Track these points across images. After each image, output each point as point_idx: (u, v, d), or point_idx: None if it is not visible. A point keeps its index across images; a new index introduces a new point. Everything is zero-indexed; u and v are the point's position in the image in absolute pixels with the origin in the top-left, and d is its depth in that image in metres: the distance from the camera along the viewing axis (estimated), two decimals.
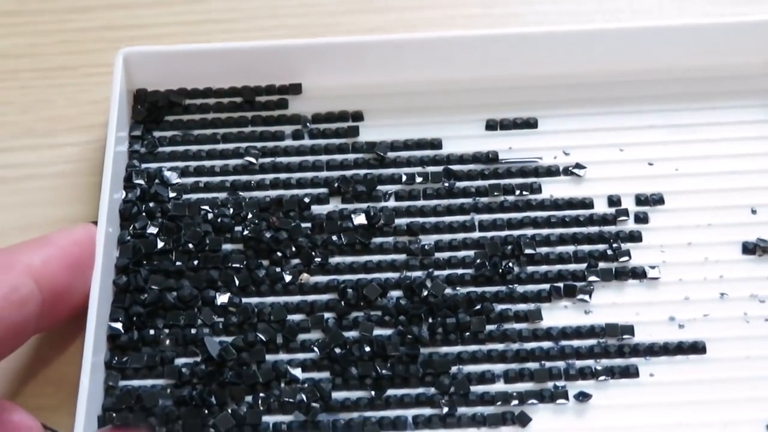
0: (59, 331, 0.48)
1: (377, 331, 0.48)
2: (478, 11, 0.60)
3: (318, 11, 0.60)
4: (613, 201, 0.52)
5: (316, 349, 0.48)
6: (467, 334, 0.48)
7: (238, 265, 0.49)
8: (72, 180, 0.54)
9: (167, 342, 0.48)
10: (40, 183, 0.54)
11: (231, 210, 0.51)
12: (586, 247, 0.50)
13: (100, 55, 0.58)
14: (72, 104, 0.56)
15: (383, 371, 0.47)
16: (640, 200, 0.52)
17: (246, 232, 0.50)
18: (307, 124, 0.54)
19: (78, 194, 0.53)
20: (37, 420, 0.43)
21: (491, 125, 0.54)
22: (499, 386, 0.47)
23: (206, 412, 0.46)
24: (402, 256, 0.50)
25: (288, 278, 0.49)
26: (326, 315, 0.49)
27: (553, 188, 0.52)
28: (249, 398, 0.47)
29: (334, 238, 0.51)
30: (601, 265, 0.50)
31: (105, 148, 0.53)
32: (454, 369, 0.47)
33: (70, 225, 0.47)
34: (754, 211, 0.52)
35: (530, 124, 0.54)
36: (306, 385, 0.47)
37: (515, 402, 0.46)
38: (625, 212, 0.51)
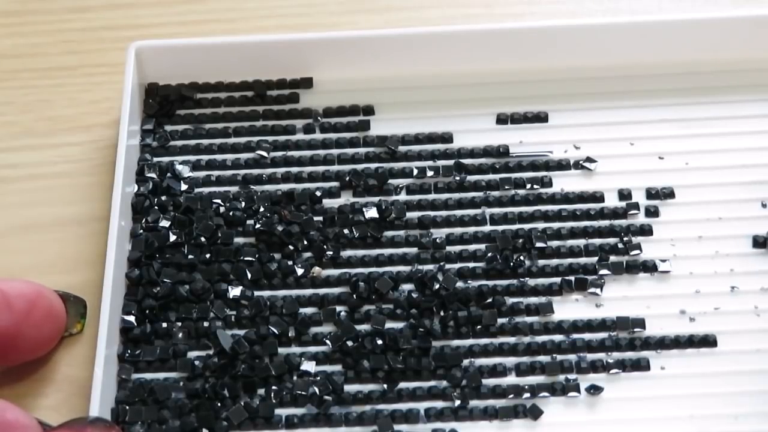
0: None
1: (389, 324, 0.48)
2: (479, 11, 0.60)
3: (318, 11, 0.60)
4: (624, 195, 0.52)
5: (328, 342, 0.48)
6: (479, 327, 0.48)
7: (250, 259, 0.50)
8: (72, 180, 0.54)
9: (180, 335, 0.48)
10: (40, 183, 0.54)
11: (243, 203, 0.51)
12: (597, 241, 0.51)
13: (101, 55, 0.58)
14: (72, 104, 0.56)
15: (395, 364, 0.47)
16: (651, 194, 0.52)
17: (258, 226, 0.50)
18: (319, 118, 0.54)
19: (78, 194, 0.53)
20: (33, 418, 0.43)
21: (502, 119, 0.54)
22: (511, 379, 0.47)
23: (219, 404, 0.46)
24: (413, 250, 0.50)
25: (300, 271, 0.50)
26: (338, 308, 0.49)
27: (563, 182, 0.52)
28: (262, 391, 0.47)
29: (346, 231, 0.51)
30: (612, 258, 0.50)
31: (105, 147, 0.54)
32: (465, 362, 0.47)
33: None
34: (764, 205, 0.52)
35: (541, 118, 0.54)
36: (318, 378, 0.47)
37: (527, 395, 0.47)
38: (636, 206, 0.51)
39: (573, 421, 0.46)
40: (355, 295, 0.49)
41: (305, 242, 0.50)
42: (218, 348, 0.47)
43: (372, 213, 0.51)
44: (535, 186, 0.52)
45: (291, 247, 0.50)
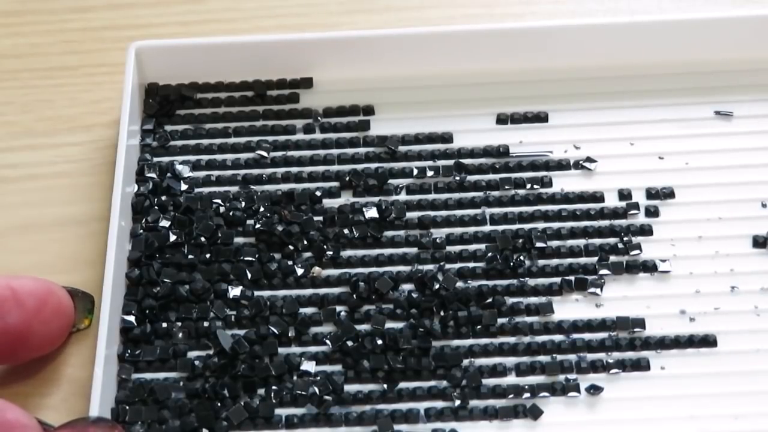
0: None
1: (389, 324, 0.48)
2: (478, 11, 0.60)
3: (317, 11, 0.60)
4: (624, 195, 0.52)
5: (328, 342, 0.48)
6: (479, 327, 0.48)
7: (250, 259, 0.50)
8: (72, 180, 0.54)
9: (180, 335, 0.48)
10: (40, 183, 0.54)
11: (243, 203, 0.51)
12: (597, 241, 0.51)
13: (101, 55, 0.58)
14: (72, 104, 0.56)
15: (395, 364, 0.47)
16: (651, 194, 0.52)
17: (258, 226, 0.50)
18: (319, 118, 0.54)
19: (78, 194, 0.53)
20: (33, 418, 0.43)
21: (502, 119, 0.54)
22: (511, 379, 0.47)
23: (219, 404, 0.46)
24: (413, 250, 0.50)
25: (300, 271, 0.50)
26: (338, 308, 0.49)
27: (563, 182, 0.52)
28: (261, 391, 0.47)
29: (346, 231, 0.51)
30: (612, 258, 0.50)
31: (105, 147, 0.54)
32: (465, 362, 0.47)
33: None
34: (764, 205, 0.52)
35: (541, 118, 0.54)
36: (318, 378, 0.47)
37: (527, 395, 0.47)
38: (636, 206, 0.51)
39: (573, 421, 0.46)
40: (355, 295, 0.49)
41: (305, 242, 0.50)
42: (218, 348, 0.47)
43: (372, 213, 0.51)
44: (535, 186, 0.52)
45: (291, 247, 0.50)
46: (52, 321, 0.47)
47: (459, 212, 0.51)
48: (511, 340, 0.48)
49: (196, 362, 0.47)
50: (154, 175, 0.52)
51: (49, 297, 0.46)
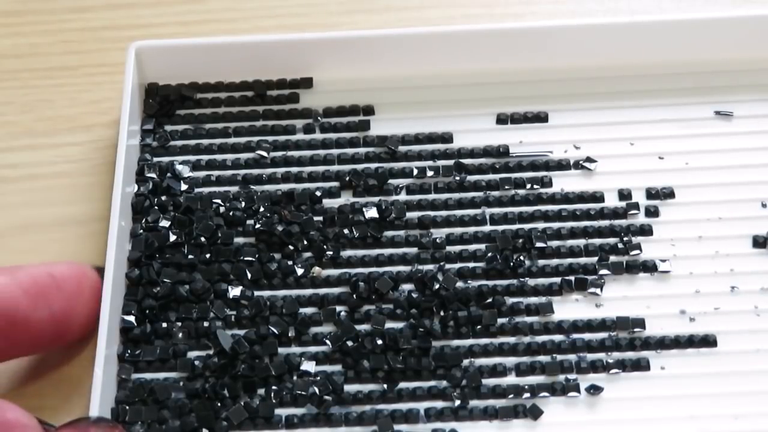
0: None
1: (389, 324, 0.48)
2: (478, 11, 0.60)
3: (317, 11, 0.60)
4: (624, 195, 0.52)
5: (328, 342, 0.48)
6: (479, 327, 0.48)
7: (250, 259, 0.50)
8: (72, 180, 0.54)
9: (180, 335, 0.48)
10: (41, 183, 0.54)
11: (243, 203, 0.51)
12: (597, 241, 0.51)
13: (101, 55, 0.58)
14: (72, 104, 0.56)
15: (395, 364, 0.47)
16: (651, 194, 0.52)
17: (258, 226, 0.50)
18: (318, 118, 0.54)
19: (78, 194, 0.53)
20: (33, 418, 0.43)
21: (502, 119, 0.54)
22: (511, 379, 0.47)
23: (219, 404, 0.46)
24: (413, 250, 0.50)
25: (300, 271, 0.50)
26: (338, 308, 0.49)
27: (563, 182, 0.52)
28: (261, 391, 0.47)
29: (346, 231, 0.51)
30: (612, 258, 0.50)
31: (105, 147, 0.54)
32: (465, 362, 0.47)
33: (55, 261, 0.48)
34: (764, 205, 0.52)
35: (541, 118, 0.54)
36: (318, 378, 0.47)
37: (527, 395, 0.47)
38: (636, 206, 0.51)
39: (573, 421, 0.46)
40: (355, 295, 0.49)
41: (305, 242, 0.50)
42: (218, 348, 0.47)
43: (372, 213, 0.51)
44: (535, 186, 0.52)
45: (291, 247, 0.50)
46: (90, 302, 0.47)
47: (459, 212, 0.51)
48: (511, 340, 0.48)
49: (196, 362, 0.47)
50: (154, 175, 0.52)
51: (84, 279, 0.47)
